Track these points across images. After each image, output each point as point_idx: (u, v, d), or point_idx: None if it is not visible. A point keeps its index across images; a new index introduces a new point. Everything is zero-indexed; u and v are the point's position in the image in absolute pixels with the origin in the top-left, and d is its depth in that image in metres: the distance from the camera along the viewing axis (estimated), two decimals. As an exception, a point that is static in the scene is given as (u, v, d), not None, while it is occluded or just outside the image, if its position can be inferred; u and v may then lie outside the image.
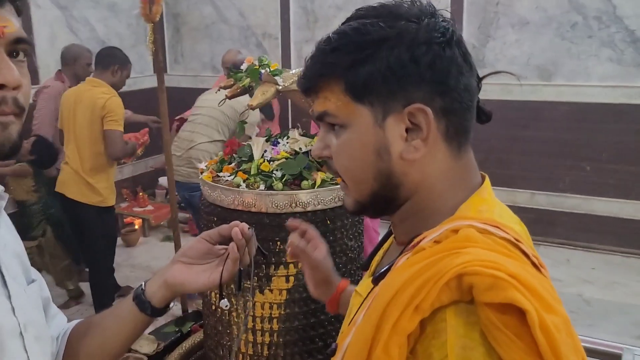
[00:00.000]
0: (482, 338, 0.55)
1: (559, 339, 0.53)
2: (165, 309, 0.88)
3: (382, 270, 0.69)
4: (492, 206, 0.69)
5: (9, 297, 0.72)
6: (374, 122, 0.67)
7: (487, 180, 0.73)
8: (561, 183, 4.34)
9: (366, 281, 0.79)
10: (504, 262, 0.57)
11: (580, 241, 4.33)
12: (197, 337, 2.17)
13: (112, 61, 3.25)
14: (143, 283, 0.88)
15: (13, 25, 0.66)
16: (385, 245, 0.85)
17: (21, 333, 0.72)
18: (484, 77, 0.72)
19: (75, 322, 0.92)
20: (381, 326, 0.59)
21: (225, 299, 0.88)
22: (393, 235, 0.79)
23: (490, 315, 0.54)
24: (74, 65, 3.68)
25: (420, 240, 0.66)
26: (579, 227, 4.32)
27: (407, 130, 0.66)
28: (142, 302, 0.85)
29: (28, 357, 0.72)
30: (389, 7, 0.68)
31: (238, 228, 0.86)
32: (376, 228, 3.30)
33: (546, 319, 0.54)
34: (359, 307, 0.71)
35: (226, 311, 1.64)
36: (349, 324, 0.71)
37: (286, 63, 4.96)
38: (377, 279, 0.69)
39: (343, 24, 0.70)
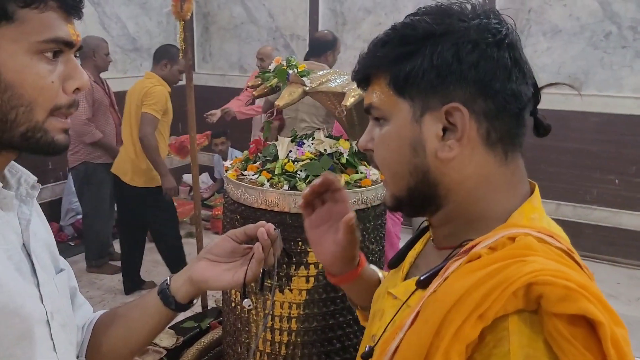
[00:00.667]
0: (547, 348, 0.54)
1: (629, 353, 0.53)
2: (189, 304, 0.89)
3: (427, 274, 0.68)
4: (542, 215, 0.68)
5: (38, 285, 0.73)
6: (412, 117, 0.67)
7: (537, 189, 0.72)
8: (588, 195, 4.26)
9: (402, 284, 0.76)
10: (571, 273, 0.56)
11: (606, 255, 4.23)
12: (216, 333, 2.18)
13: (162, 56, 3.46)
14: (168, 278, 0.89)
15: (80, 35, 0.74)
16: (417, 247, 0.83)
17: (48, 321, 0.73)
18: (542, 87, 0.71)
19: (100, 312, 0.93)
20: (441, 333, 0.58)
21: (248, 299, 0.88)
22: (431, 238, 0.77)
23: (558, 326, 0.53)
24: (93, 58, 3.70)
25: (474, 246, 0.64)
26: (605, 240, 4.23)
27: (444, 129, 0.66)
28: (167, 297, 0.87)
29: (54, 344, 0.74)
30: (445, 6, 0.68)
31: (264, 228, 0.86)
32: (397, 233, 3.28)
33: (616, 332, 0.53)
34: (398, 310, 0.70)
35: (246, 309, 1.65)
36: (387, 327, 0.69)
37: (313, 64, 4.98)
38: (422, 283, 0.68)
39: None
